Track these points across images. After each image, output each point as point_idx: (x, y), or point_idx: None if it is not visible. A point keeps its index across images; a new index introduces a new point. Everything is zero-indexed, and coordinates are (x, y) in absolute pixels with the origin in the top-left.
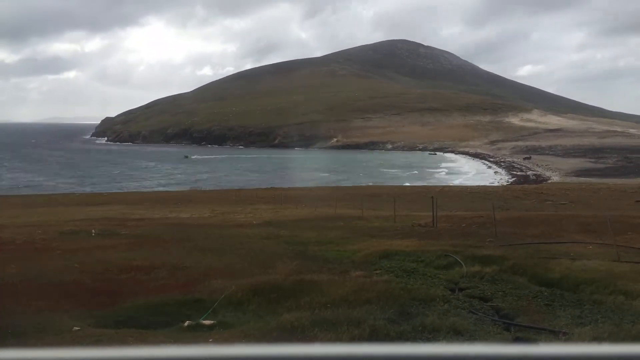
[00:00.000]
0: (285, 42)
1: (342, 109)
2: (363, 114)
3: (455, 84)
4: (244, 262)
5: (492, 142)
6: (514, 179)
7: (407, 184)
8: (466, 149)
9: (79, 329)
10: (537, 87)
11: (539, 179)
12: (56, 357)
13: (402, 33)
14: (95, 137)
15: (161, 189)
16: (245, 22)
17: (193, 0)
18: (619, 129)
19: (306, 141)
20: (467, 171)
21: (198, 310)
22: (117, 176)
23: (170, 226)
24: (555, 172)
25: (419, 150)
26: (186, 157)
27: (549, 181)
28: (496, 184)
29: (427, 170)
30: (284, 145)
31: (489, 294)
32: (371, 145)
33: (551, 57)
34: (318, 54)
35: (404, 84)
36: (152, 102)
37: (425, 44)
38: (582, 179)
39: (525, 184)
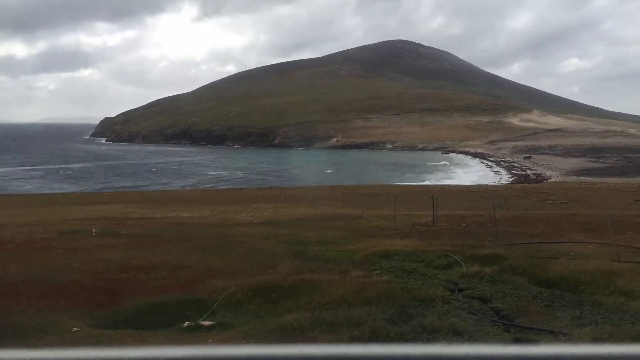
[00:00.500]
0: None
1: (342, 109)
2: (363, 114)
3: (455, 84)
4: (244, 262)
5: (492, 142)
6: (514, 178)
7: (407, 184)
8: (466, 149)
9: (78, 329)
10: (534, 87)
11: (539, 179)
12: (56, 357)
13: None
14: (94, 137)
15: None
16: (288, 9)
17: None
18: (618, 129)
19: (306, 141)
20: (466, 171)
21: (198, 311)
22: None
23: (171, 226)
24: (555, 171)
25: (419, 150)
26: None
27: (549, 180)
28: (496, 183)
29: (427, 170)
30: (284, 146)
31: (489, 294)
32: (371, 146)
33: None
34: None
35: (404, 84)
36: (152, 102)
37: (425, 44)
38: (582, 179)
39: (525, 183)
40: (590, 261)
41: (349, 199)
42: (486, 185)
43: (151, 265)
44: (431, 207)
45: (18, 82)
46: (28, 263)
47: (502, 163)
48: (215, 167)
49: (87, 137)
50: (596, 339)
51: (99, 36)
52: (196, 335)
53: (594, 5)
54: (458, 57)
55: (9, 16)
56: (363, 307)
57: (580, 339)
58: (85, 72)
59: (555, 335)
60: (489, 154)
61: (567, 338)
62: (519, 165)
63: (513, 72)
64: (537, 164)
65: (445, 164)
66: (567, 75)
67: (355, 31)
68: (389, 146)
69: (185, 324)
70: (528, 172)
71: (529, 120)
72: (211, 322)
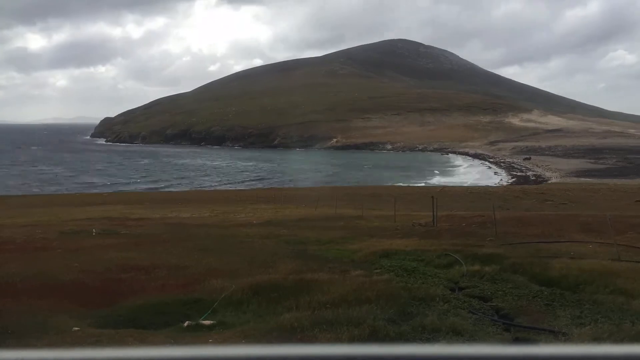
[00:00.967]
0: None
1: (342, 109)
2: (363, 114)
3: (455, 84)
4: (244, 262)
5: (492, 143)
6: (514, 179)
7: (407, 184)
8: (466, 150)
9: (79, 329)
10: (536, 86)
11: (539, 180)
12: (56, 357)
13: None
14: (94, 138)
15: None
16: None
17: None
18: (618, 129)
19: (306, 141)
20: (466, 172)
21: (198, 310)
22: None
23: (171, 226)
24: (555, 172)
25: (419, 150)
26: None
27: (549, 181)
28: (496, 184)
29: (427, 170)
30: (284, 146)
31: (489, 293)
32: (371, 146)
33: None
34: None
35: (404, 84)
36: (152, 102)
37: (426, 44)
38: (582, 179)
39: (525, 184)
40: (590, 261)
41: (349, 200)
42: (486, 186)
43: (151, 265)
44: (431, 207)
45: (29, 78)
46: (28, 263)
47: (502, 164)
48: (255, 170)
49: (86, 137)
50: (596, 339)
51: (121, 26)
52: (196, 334)
53: None
54: (458, 57)
55: (20, 3)
56: (363, 307)
57: (580, 339)
58: (102, 69)
59: (555, 335)
60: (488, 155)
61: (567, 337)
62: (518, 166)
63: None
64: (537, 165)
65: (445, 165)
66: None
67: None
68: (389, 147)
69: (186, 324)
70: (528, 173)
71: (529, 120)
72: (211, 322)
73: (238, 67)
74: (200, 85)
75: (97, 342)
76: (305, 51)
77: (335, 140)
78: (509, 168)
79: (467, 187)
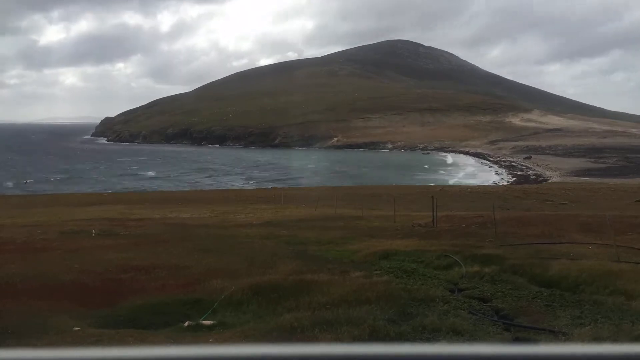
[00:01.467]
0: None
1: (342, 109)
2: (363, 114)
3: (455, 84)
4: (244, 262)
5: (492, 142)
6: (514, 178)
7: (407, 184)
8: (466, 149)
9: (79, 329)
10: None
11: (539, 179)
12: (56, 357)
13: None
14: (95, 137)
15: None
16: None
17: None
18: (619, 129)
19: (306, 141)
20: (467, 171)
21: (198, 310)
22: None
23: (171, 226)
24: (555, 172)
25: (420, 150)
26: None
27: (549, 181)
28: (497, 183)
29: (427, 170)
30: (284, 145)
31: (489, 294)
32: (371, 145)
33: None
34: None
35: (404, 84)
36: (152, 101)
37: (426, 44)
38: (582, 179)
39: (525, 183)
40: (590, 261)
41: (349, 200)
42: (486, 185)
43: (151, 265)
44: (431, 207)
45: (41, 75)
46: (28, 263)
47: (503, 163)
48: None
49: (87, 137)
50: (596, 339)
51: (150, 16)
52: (197, 334)
53: None
54: (458, 57)
55: None
56: (363, 307)
57: (580, 339)
58: (120, 65)
59: (555, 335)
60: (489, 154)
61: (567, 337)
62: (519, 166)
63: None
64: (537, 164)
65: (445, 165)
66: None
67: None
68: (389, 146)
69: (186, 324)
70: (528, 173)
71: (530, 120)
72: (211, 322)
73: (269, 61)
74: (201, 85)
75: (97, 342)
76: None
77: (335, 139)
78: (509, 167)
79: (467, 187)
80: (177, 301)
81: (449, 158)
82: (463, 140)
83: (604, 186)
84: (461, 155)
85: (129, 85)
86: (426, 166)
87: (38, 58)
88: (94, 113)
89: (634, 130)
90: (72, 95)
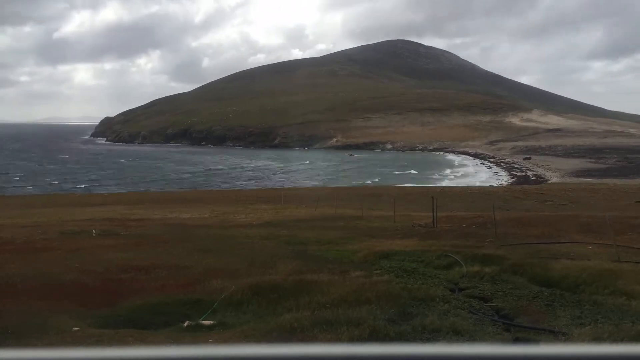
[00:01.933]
0: None
1: (342, 109)
2: (363, 114)
3: (455, 84)
4: (244, 262)
5: (492, 142)
6: (514, 179)
7: (407, 185)
8: (466, 149)
9: (79, 329)
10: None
11: (539, 180)
12: (56, 357)
13: None
14: (94, 138)
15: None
16: None
17: None
18: (619, 129)
19: (306, 141)
20: (467, 172)
21: (198, 310)
22: None
23: (171, 226)
24: (555, 172)
25: (420, 150)
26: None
27: (549, 181)
28: (496, 184)
29: (427, 169)
30: (284, 145)
31: (489, 294)
32: (371, 145)
33: None
34: None
35: (404, 84)
36: (151, 101)
37: (426, 44)
38: (582, 179)
39: (525, 184)
40: (590, 261)
41: (349, 200)
42: (486, 186)
43: (151, 265)
44: (431, 208)
45: (53, 71)
46: (28, 263)
47: (502, 164)
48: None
49: (86, 137)
50: (596, 339)
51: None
52: (196, 334)
53: None
54: (458, 57)
55: None
56: (363, 307)
57: (580, 339)
58: (140, 60)
59: (556, 335)
60: (489, 155)
61: (567, 337)
62: (519, 166)
63: None
64: (537, 165)
65: (445, 164)
66: None
67: None
68: (389, 146)
69: (186, 324)
70: (528, 173)
71: (529, 120)
72: (211, 322)
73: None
74: (201, 85)
75: (97, 342)
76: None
77: (335, 139)
78: (509, 168)
79: (467, 187)
80: (177, 301)
81: (449, 158)
82: (463, 141)
83: (604, 186)
84: (461, 156)
85: (143, 83)
86: (433, 169)
87: (54, 52)
88: (103, 113)
89: (632, 130)
90: (82, 93)
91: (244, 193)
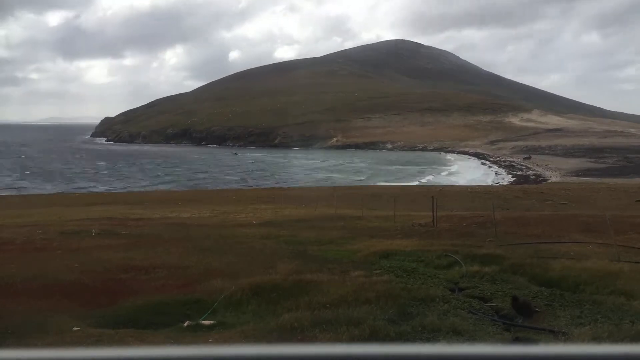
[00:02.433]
0: None
1: (342, 109)
2: (363, 114)
3: (455, 84)
4: (244, 262)
5: (492, 142)
6: (514, 178)
7: (407, 184)
8: (466, 149)
9: (79, 329)
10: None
11: (539, 179)
12: (56, 357)
13: None
14: (94, 137)
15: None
16: None
17: None
18: (619, 129)
19: (306, 141)
20: (467, 171)
21: (198, 310)
22: None
23: (171, 226)
24: (555, 172)
25: (420, 150)
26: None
27: (549, 181)
28: (496, 183)
29: (427, 169)
30: (284, 145)
31: (489, 294)
32: (371, 145)
33: None
34: None
35: (404, 84)
36: (152, 101)
37: (426, 44)
38: (582, 179)
39: (525, 183)
40: (590, 261)
41: (349, 200)
42: (486, 185)
43: (151, 265)
44: (431, 207)
45: (71, 66)
46: (28, 263)
47: (502, 163)
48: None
49: (86, 137)
50: (596, 339)
51: None
52: (196, 334)
53: None
54: (458, 57)
55: None
56: (363, 307)
57: (580, 338)
58: (164, 55)
59: (555, 335)
60: (489, 154)
61: (567, 337)
62: (519, 166)
63: None
64: (537, 164)
65: (445, 164)
66: None
67: None
68: (389, 146)
69: (186, 324)
70: (528, 173)
71: (529, 120)
72: (211, 322)
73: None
74: (200, 86)
75: (97, 342)
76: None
77: (335, 139)
78: (509, 167)
79: (467, 187)
80: (177, 301)
81: (449, 158)
82: (463, 140)
83: (604, 186)
84: (461, 155)
85: (159, 80)
86: (433, 169)
87: (71, 45)
88: (114, 113)
89: (632, 130)
90: (94, 91)
91: (244, 193)
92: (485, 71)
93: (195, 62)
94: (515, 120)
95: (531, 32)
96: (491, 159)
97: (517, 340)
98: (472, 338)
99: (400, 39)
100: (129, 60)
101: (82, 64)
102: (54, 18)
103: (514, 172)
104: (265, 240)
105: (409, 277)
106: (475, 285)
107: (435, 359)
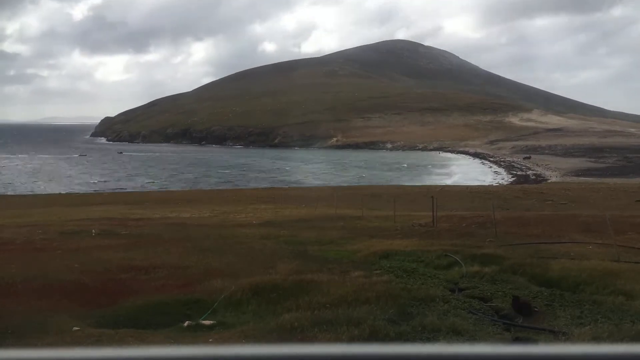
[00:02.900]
0: None
1: (342, 109)
2: (363, 114)
3: (455, 84)
4: (244, 262)
5: (492, 142)
6: (514, 178)
7: (407, 184)
8: (466, 149)
9: (79, 329)
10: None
11: (539, 179)
12: (56, 357)
13: None
14: (94, 137)
15: None
16: None
17: None
18: (619, 129)
19: (306, 141)
20: (467, 171)
21: (198, 310)
22: None
23: (170, 226)
24: (555, 171)
25: (419, 149)
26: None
27: (549, 181)
28: (496, 183)
29: (427, 170)
30: (284, 145)
31: (489, 294)
32: (371, 145)
33: None
34: None
35: (404, 84)
36: (152, 101)
37: (426, 44)
38: (582, 179)
39: (525, 183)
40: (590, 261)
41: (349, 200)
42: (486, 185)
43: (151, 265)
44: (431, 207)
45: (91, 61)
46: (28, 263)
47: (502, 163)
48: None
49: (86, 137)
50: (596, 338)
51: None
52: (196, 334)
53: None
54: (458, 57)
55: None
56: (363, 307)
57: (580, 338)
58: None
59: (556, 335)
60: (488, 154)
61: (567, 337)
62: (518, 166)
63: None
64: (537, 164)
65: (445, 164)
66: None
67: None
68: (389, 146)
69: (186, 324)
70: (528, 173)
71: (529, 120)
72: (211, 322)
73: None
74: (200, 86)
75: (97, 342)
76: None
77: (335, 139)
78: (509, 167)
79: (467, 187)
80: (177, 301)
81: (449, 157)
82: (463, 140)
83: (604, 186)
84: (461, 155)
85: (175, 77)
86: (433, 169)
87: (94, 38)
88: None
89: (632, 129)
90: (103, 90)
91: (244, 192)
92: (485, 71)
93: (219, 56)
94: (515, 120)
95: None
96: (491, 159)
97: (517, 340)
98: (472, 338)
99: (400, 39)
100: (151, 56)
101: (100, 59)
102: (79, 7)
103: (514, 172)
104: (265, 240)
105: (409, 277)
106: (475, 286)
107: (435, 359)
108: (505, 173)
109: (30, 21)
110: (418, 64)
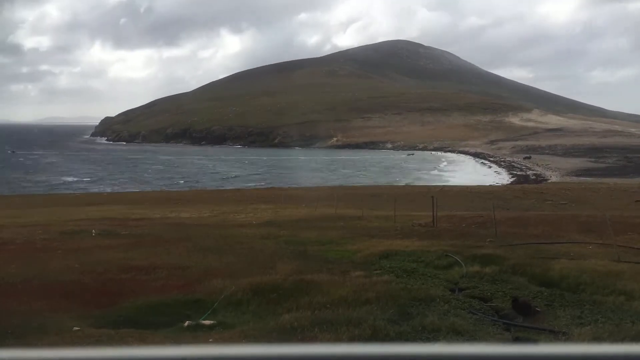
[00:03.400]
0: None
1: (342, 109)
2: (363, 114)
3: (455, 84)
4: (244, 262)
5: (492, 142)
6: (514, 178)
7: (407, 184)
8: (466, 149)
9: (79, 329)
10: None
11: (539, 179)
12: (56, 357)
13: None
14: (94, 137)
15: None
16: None
17: None
18: (619, 129)
19: (306, 141)
20: (467, 171)
21: (198, 310)
22: None
23: (171, 226)
24: (555, 171)
25: (419, 149)
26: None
27: (549, 181)
28: (496, 183)
29: (427, 170)
30: (283, 145)
31: (489, 294)
32: (371, 145)
33: None
34: None
35: (404, 84)
36: (152, 101)
37: (425, 44)
38: (582, 179)
39: (525, 183)
40: (590, 261)
41: (349, 200)
42: (486, 185)
43: (151, 265)
44: (431, 207)
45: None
46: (28, 263)
47: (502, 163)
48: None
49: (86, 136)
50: (596, 339)
51: None
52: (197, 334)
53: None
54: (458, 57)
55: None
56: (363, 307)
57: (580, 338)
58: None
59: (556, 335)
60: (489, 154)
61: (567, 337)
62: (518, 166)
63: None
64: (537, 164)
65: (445, 164)
66: None
67: None
68: (389, 146)
69: (186, 324)
70: (528, 173)
71: (529, 120)
72: (211, 322)
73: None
74: (200, 86)
75: (97, 342)
76: None
77: (335, 139)
78: (509, 167)
79: (467, 187)
80: (177, 301)
81: (449, 157)
82: (463, 140)
83: (604, 186)
84: (461, 155)
85: (194, 74)
86: (433, 169)
87: (115, 31)
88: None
89: (632, 129)
90: (119, 87)
91: (243, 193)
92: (485, 71)
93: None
94: (515, 120)
95: None
96: (491, 159)
97: (517, 340)
98: (472, 338)
99: (400, 39)
100: (177, 50)
101: (121, 54)
102: None
103: (514, 172)
104: (265, 241)
105: (409, 277)
106: (476, 286)
107: (435, 359)
108: (505, 173)
109: (50, 10)
110: (418, 64)
